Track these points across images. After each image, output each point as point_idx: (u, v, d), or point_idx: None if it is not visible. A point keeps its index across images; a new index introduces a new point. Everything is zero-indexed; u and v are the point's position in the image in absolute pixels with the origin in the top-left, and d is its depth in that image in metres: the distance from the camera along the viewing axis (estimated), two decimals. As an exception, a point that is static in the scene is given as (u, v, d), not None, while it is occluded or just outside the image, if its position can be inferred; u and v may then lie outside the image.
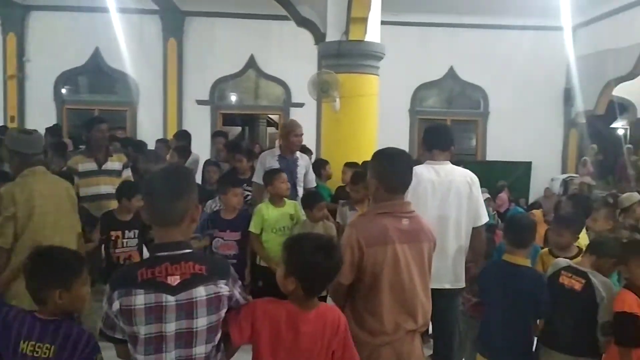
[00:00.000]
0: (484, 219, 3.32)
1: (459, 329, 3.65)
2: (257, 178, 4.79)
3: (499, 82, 11.03)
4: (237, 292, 1.87)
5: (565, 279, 2.95)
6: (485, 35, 10.99)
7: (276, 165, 4.71)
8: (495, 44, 10.90)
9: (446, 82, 11.47)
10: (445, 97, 11.73)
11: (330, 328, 1.98)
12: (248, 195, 4.97)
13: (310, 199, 4.26)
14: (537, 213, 6.56)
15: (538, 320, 3.14)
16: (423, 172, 3.21)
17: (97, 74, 10.81)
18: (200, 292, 1.74)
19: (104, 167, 4.92)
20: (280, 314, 1.92)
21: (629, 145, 12.13)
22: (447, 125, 4.29)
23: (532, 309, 2.97)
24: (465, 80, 11.36)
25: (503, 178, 10.14)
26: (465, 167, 4.48)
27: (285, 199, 4.30)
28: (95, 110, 10.45)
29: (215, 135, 6.97)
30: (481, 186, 3.34)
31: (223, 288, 1.79)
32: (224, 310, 1.82)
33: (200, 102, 10.88)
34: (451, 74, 11.32)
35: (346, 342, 2.02)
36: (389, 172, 2.44)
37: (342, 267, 2.08)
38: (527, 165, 11.07)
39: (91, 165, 4.87)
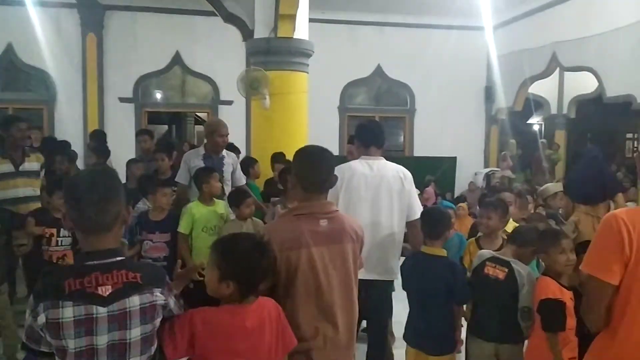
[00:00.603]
0: (418, 213, 3.38)
1: (391, 320, 3.74)
2: (181, 178, 4.65)
3: (425, 80, 11.35)
4: (171, 301, 1.78)
5: (490, 269, 3.06)
6: (412, 34, 11.27)
7: (201, 164, 4.57)
8: (421, 43, 11.20)
9: (374, 80, 11.68)
10: (374, 95, 11.94)
11: (273, 310, 1.97)
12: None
13: (238, 196, 4.18)
14: (462, 206, 6.83)
15: (465, 307, 3.28)
16: (357, 167, 3.33)
17: (10, 70, 10.14)
18: (134, 302, 1.65)
19: (21, 168, 4.64)
20: (223, 318, 1.85)
21: (543, 140, 12.84)
22: (380, 123, 4.39)
23: (450, 297, 3.10)
24: (393, 78, 11.62)
25: (430, 173, 10.48)
26: (394, 162, 4.60)
27: (215, 198, 4.21)
28: (9, 109, 9.80)
29: (139, 133, 6.68)
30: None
31: (158, 297, 1.71)
32: (159, 320, 1.73)
33: (123, 100, 10.46)
34: (379, 71, 11.54)
35: (284, 323, 2.02)
36: (308, 171, 2.35)
37: (275, 265, 2.04)
38: (453, 160, 11.48)
39: (7, 167, 4.58)
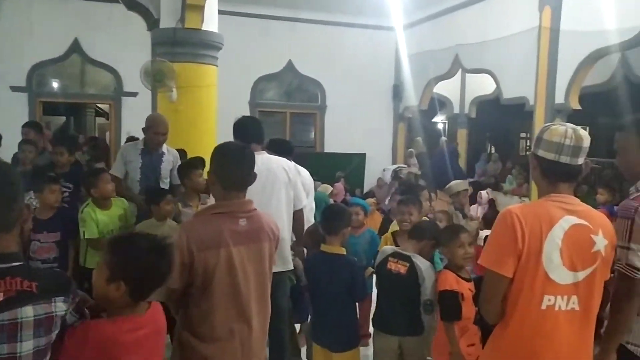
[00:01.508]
0: (303, 202, 3.59)
1: (290, 313, 3.76)
2: (116, 171, 4.44)
3: (336, 77, 11.49)
4: (70, 311, 1.61)
5: (392, 265, 3.13)
6: (324, 31, 11.35)
7: (138, 159, 4.41)
8: (333, 40, 11.34)
9: (285, 76, 11.64)
10: (285, 90, 11.90)
11: (163, 321, 1.87)
12: (66, 192, 4.50)
13: (156, 194, 3.97)
14: (372, 201, 6.98)
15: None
16: None
17: None
18: (28, 313, 1.48)
19: None
20: (109, 331, 1.70)
21: (445, 138, 13.44)
22: (257, 119, 4.48)
23: (351, 294, 3.15)
24: (304, 74, 11.63)
25: (340, 169, 10.62)
26: (305, 158, 4.61)
27: (113, 200, 3.96)
28: None
29: (23, 126, 6.12)
30: (321, 177, 3.53)
31: (59, 307, 1.54)
32: (56, 332, 1.56)
33: (15, 89, 9.67)
34: (290, 67, 11.51)
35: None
36: (228, 169, 2.30)
37: (173, 270, 1.93)
38: (362, 157, 11.72)
39: None
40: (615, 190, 5.97)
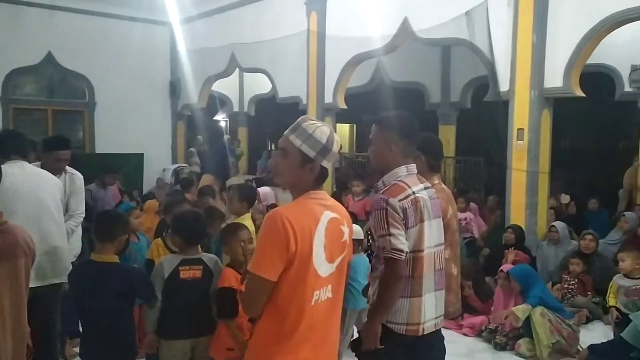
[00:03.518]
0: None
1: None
2: None
3: (106, 72, 10.70)
4: None
5: (186, 273, 3.00)
6: (88, 22, 10.51)
7: None
8: (100, 32, 10.55)
9: (45, 68, 10.41)
10: (46, 85, 10.66)
11: None
12: None
13: None
14: (151, 203, 6.61)
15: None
16: (6, 170, 3.02)
17: None
18: None
19: None
20: None
21: (228, 136, 13.55)
22: (13, 130, 4.26)
23: (126, 304, 2.96)
24: (68, 68, 10.54)
25: (115, 171, 9.88)
26: (74, 160, 4.23)
27: None
28: None
29: None
30: (93, 179, 3.46)
31: None
32: None
33: None
34: (50, 59, 10.33)
35: None
36: None
37: None
38: (140, 157, 11.10)
39: None
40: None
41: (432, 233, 2.37)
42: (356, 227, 4.31)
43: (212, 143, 12.55)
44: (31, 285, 2.47)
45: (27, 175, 3.28)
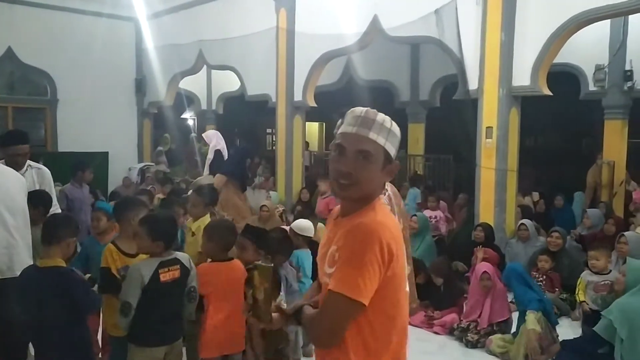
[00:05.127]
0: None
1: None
2: None
3: (69, 69, 10.38)
4: None
5: (166, 275, 2.88)
6: (50, 16, 10.21)
7: None
8: (60, 27, 10.25)
9: (5, 64, 10.04)
10: (6, 82, 10.28)
11: None
12: None
13: None
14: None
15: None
16: None
17: None
18: None
19: None
20: None
21: (194, 134, 13.30)
22: None
23: (74, 308, 2.80)
24: (28, 64, 10.18)
25: (88, 166, 9.58)
26: (37, 159, 4.11)
27: None
28: None
29: None
30: (56, 179, 3.78)
31: None
32: None
33: None
34: (10, 55, 9.96)
35: None
36: None
37: None
38: (104, 156, 10.79)
39: None
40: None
41: None
42: (304, 223, 4.45)
43: (180, 141, 12.33)
44: None
45: None
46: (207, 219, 3.94)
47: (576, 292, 4.86)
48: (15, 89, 10.40)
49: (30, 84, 10.52)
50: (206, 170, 6.82)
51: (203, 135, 8.40)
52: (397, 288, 1.63)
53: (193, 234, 3.98)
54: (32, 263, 3.11)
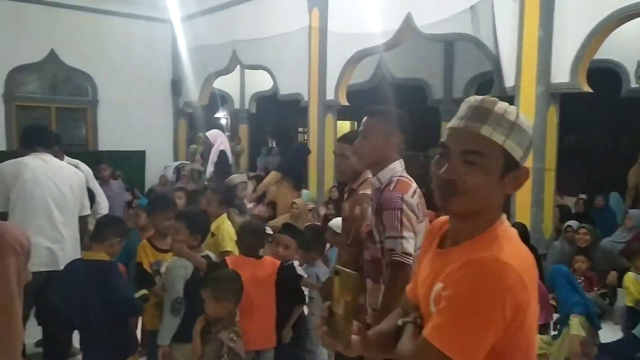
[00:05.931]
0: (87, 210, 3.67)
1: None
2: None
3: (109, 70, 10.64)
4: None
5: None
6: (91, 19, 10.44)
7: None
8: (102, 29, 10.49)
9: (48, 66, 10.35)
10: (49, 83, 10.60)
11: None
12: None
13: None
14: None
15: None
16: (30, 162, 3.42)
17: None
18: None
19: None
20: None
21: (228, 133, 13.47)
22: (46, 126, 4.86)
23: (114, 300, 2.86)
24: (71, 66, 10.49)
25: (118, 168, 9.85)
26: (77, 158, 4.27)
27: None
28: None
29: None
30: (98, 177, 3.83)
31: None
32: None
33: None
34: (53, 57, 10.27)
35: None
36: None
37: None
38: (141, 155, 11.07)
39: None
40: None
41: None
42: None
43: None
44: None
45: (48, 167, 3.46)
46: (224, 218, 3.88)
47: (623, 286, 4.69)
48: (58, 90, 10.72)
49: (72, 85, 10.82)
50: (210, 168, 6.82)
51: (207, 134, 8.48)
52: (529, 346, 1.21)
53: (212, 234, 3.83)
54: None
